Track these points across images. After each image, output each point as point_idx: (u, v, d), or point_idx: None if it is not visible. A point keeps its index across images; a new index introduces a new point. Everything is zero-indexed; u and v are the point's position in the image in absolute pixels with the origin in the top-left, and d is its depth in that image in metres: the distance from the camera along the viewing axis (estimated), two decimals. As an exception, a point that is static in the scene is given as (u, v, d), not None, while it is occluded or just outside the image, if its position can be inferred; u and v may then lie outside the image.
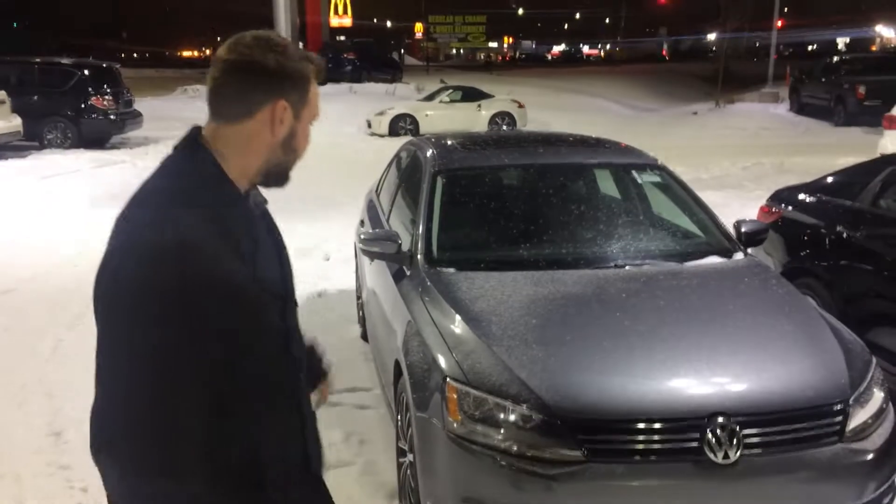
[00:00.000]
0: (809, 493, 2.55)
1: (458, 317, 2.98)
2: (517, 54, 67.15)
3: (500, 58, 61.32)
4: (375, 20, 52.53)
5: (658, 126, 20.19)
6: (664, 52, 59.67)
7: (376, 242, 3.58)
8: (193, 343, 1.27)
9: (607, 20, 68.52)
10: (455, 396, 2.63)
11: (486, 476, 2.53)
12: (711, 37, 37.35)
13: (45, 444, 3.78)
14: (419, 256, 3.50)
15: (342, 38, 33.16)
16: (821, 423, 2.59)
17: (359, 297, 5.14)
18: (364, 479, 3.41)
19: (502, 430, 2.55)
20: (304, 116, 1.45)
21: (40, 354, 4.92)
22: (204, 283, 1.27)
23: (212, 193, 1.35)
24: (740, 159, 13.25)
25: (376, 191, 5.35)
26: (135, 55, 64.00)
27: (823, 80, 20.67)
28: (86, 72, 14.83)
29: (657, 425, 2.50)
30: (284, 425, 1.49)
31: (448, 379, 2.68)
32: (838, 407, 2.62)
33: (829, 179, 5.08)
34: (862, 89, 18.30)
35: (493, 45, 58.65)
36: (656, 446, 2.50)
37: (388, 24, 55.29)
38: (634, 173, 4.39)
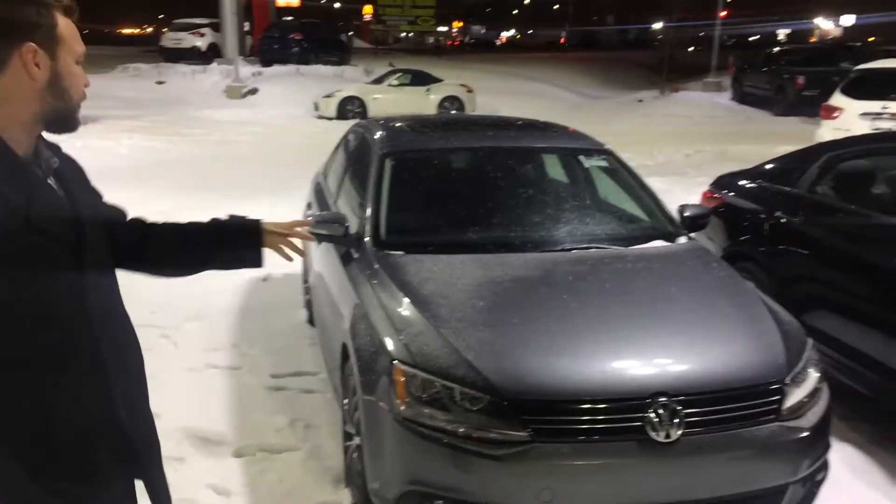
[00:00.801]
0: (747, 470, 2.62)
1: (406, 299, 2.97)
2: (467, 39, 67.08)
3: (450, 42, 61.13)
4: (323, 1, 51.72)
5: (605, 113, 20.40)
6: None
7: (324, 225, 3.53)
8: None
9: (556, 6, 68.99)
10: (402, 379, 2.63)
11: (433, 458, 2.54)
12: (657, 26, 37.90)
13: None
14: (367, 239, 3.48)
15: (289, 18, 32.55)
16: (758, 402, 2.66)
17: (305, 282, 5.08)
18: (310, 464, 3.39)
19: (450, 412, 2.56)
20: (62, 55, 1.42)
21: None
22: None
23: None
24: (683, 146, 13.49)
25: (324, 173, 5.28)
26: (74, 32, 61.75)
27: (765, 70, 21.12)
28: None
29: (601, 405, 2.54)
30: (80, 384, 1.44)
31: (395, 362, 2.67)
32: (775, 386, 2.70)
33: (769, 166, 5.19)
34: (801, 80, 18.77)
35: (443, 29, 58.39)
36: (600, 426, 2.54)
37: (337, 5, 54.51)
38: (582, 158, 4.43)
